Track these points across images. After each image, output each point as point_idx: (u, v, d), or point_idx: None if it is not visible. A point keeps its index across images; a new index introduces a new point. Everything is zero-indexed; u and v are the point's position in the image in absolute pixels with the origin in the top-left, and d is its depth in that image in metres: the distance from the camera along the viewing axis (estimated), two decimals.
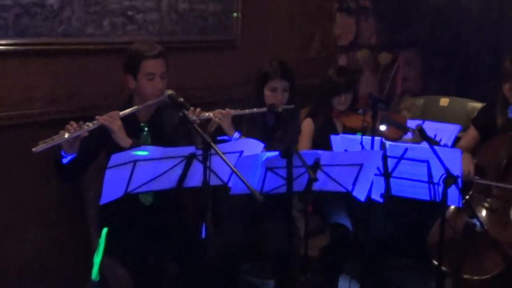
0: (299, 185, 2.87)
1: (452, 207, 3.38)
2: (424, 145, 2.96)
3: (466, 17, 4.80)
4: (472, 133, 3.74)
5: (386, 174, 3.08)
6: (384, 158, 3.05)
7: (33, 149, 2.70)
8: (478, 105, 4.15)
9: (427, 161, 2.95)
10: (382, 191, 3.13)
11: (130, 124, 3.04)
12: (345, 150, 3.17)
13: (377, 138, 3.07)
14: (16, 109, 3.16)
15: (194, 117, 3.07)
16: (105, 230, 2.95)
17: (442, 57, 4.95)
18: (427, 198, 3.03)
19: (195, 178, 2.76)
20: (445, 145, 3.55)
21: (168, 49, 3.19)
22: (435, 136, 3.46)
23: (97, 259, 2.74)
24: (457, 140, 3.87)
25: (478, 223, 3.22)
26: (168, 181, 2.74)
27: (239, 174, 2.53)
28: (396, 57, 4.97)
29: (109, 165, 2.56)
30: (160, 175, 2.69)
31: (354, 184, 2.97)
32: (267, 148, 3.03)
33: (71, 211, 3.39)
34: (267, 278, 3.93)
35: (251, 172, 2.82)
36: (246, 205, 3.35)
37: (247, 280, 3.99)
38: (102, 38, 3.45)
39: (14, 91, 3.17)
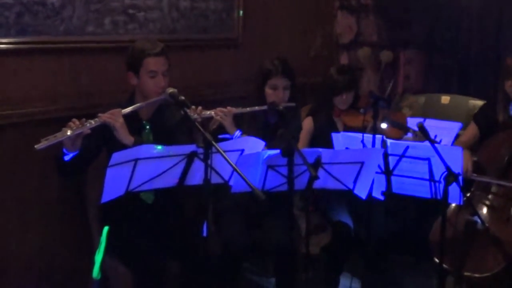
0: (300, 183, 2.88)
1: (453, 204, 3.38)
2: (425, 143, 2.96)
3: (466, 15, 4.79)
4: (472, 129, 3.75)
5: (387, 172, 3.09)
6: (385, 156, 3.06)
7: (35, 146, 2.70)
8: (479, 102, 4.15)
9: (428, 159, 2.95)
10: (383, 189, 3.13)
11: (132, 122, 3.04)
12: (346, 148, 3.17)
13: (378, 136, 3.07)
14: (17, 108, 3.17)
15: (195, 116, 3.07)
16: (106, 229, 2.97)
17: (443, 55, 4.94)
18: (428, 196, 3.03)
19: (196, 176, 2.77)
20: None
21: (170, 47, 3.19)
22: (435, 136, 3.47)
23: (99, 257, 2.75)
24: (457, 137, 3.87)
25: (479, 221, 3.23)
26: (170, 180, 2.75)
27: (240, 172, 2.53)
28: (397, 55, 4.96)
29: (110, 164, 2.56)
30: (161, 174, 2.70)
31: (355, 182, 2.97)
32: (268, 146, 3.03)
33: (72, 210, 3.39)
34: (269, 276, 3.93)
35: (252, 170, 2.82)
36: (247, 203, 3.36)
37: (248, 278, 3.99)
38: (104, 37, 3.45)
39: (15, 89, 3.17)
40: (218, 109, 3.28)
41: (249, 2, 4.16)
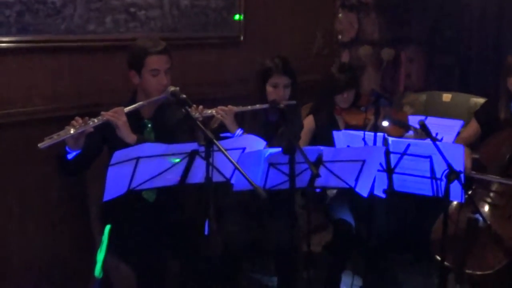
0: (301, 181, 2.87)
1: (455, 202, 3.37)
2: (427, 140, 2.96)
3: (468, 13, 4.79)
4: (473, 126, 3.74)
5: (389, 170, 3.09)
6: (387, 153, 3.05)
7: (38, 145, 2.69)
8: (481, 100, 4.15)
9: (429, 157, 2.95)
10: (385, 186, 3.13)
11: (134, 120, 3.04)
12: (348, 146, 3.17)
13: (379, 134, 3.07)
14: (18, 106, 3.17)
15: (197, 114, 3.07)
16: (108, 227, 2.96)
17: (445, 52, 4.94)
18: (430, 193, 3.03)
19: (198, 175, 2.76)
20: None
21: (171, 46, 3.19)
22: (436, 134, 3.47)
23: (100, 256, 2.74)
24: (458, 135, 3.87)
25: (481, 218, 3.22)
26: (171, 178, 2.74)
27: (242, 171, 2.53)
28: (398, 53, 4.96)
29: (111, 162, 2.56)
30: (163, 172, 2.70)
31: (356, 180, 2.97)
32: (270, 144, 3.03)
33: (74, 208, 3.40)
34: (270, 275, 3.93)
35: (254, 169, 2.82)
36: (249, 202, 3.36)
37: (250, 276, 3.99)
38: (105, 35, 3.45)
39: (16, 88, 3.17)
40: (219, 107, 3.27)
41: (250, 0, 4.16)
